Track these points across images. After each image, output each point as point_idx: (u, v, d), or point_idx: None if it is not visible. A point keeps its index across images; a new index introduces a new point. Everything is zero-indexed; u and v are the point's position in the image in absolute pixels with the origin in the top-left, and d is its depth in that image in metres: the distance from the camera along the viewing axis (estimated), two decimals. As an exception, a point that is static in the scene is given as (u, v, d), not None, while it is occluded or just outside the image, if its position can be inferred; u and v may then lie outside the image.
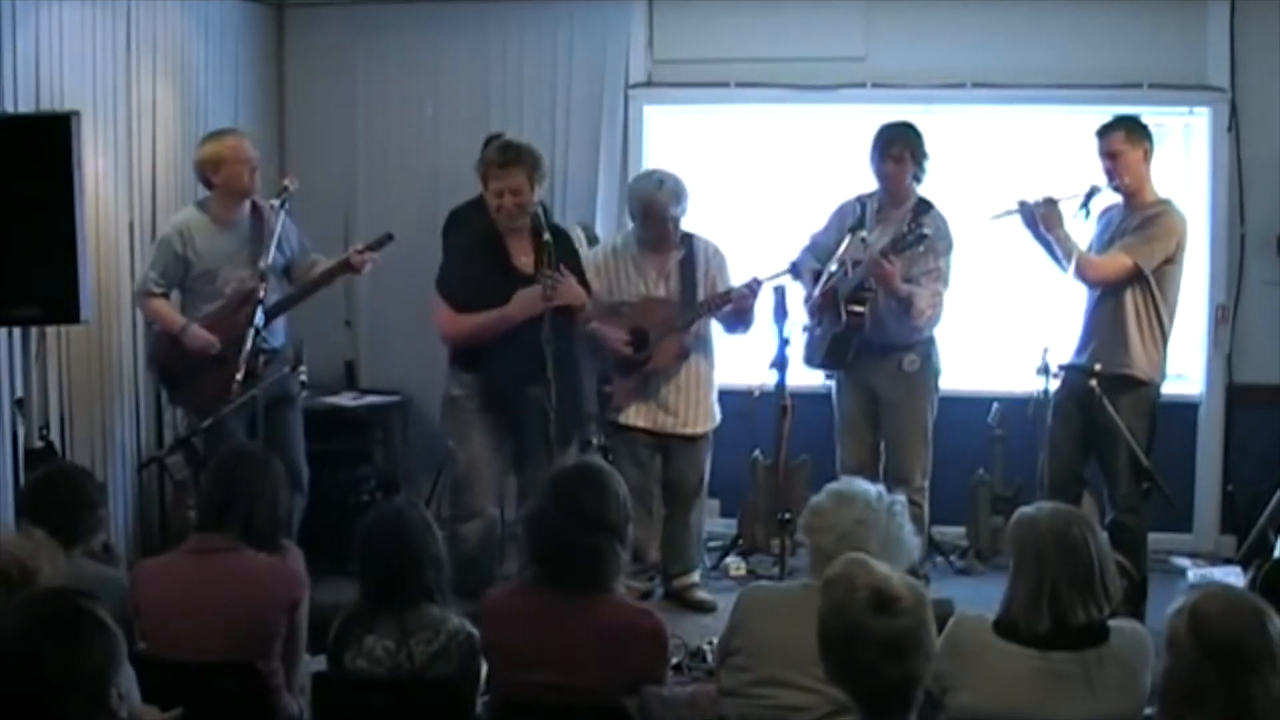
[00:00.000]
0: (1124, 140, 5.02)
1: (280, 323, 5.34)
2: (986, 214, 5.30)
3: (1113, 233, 5.11)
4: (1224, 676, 2.35)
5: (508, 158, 4.86)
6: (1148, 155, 5.06)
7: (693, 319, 5.32)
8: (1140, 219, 5.04)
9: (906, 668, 2.33)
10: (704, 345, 5.44)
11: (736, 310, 5.28)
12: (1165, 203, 5.10)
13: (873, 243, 5.31)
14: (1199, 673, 2.36)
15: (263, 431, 4.84)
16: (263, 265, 5.02)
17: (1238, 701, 2.34)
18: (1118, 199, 5.12)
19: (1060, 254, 5.07)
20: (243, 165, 5.17)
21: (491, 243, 4.91)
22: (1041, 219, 5.07)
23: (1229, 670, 2.35)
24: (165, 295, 5.26)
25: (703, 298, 5.33)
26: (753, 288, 5.23)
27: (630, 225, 5.58)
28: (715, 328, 5.47)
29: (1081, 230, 5.14)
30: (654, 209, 5.30)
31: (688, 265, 5.39)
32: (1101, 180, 5.08)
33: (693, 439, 5.44)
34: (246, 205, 5.24)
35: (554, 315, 4.74)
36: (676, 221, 5.34)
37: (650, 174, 5.54)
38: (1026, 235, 5.17)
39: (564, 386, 4.82)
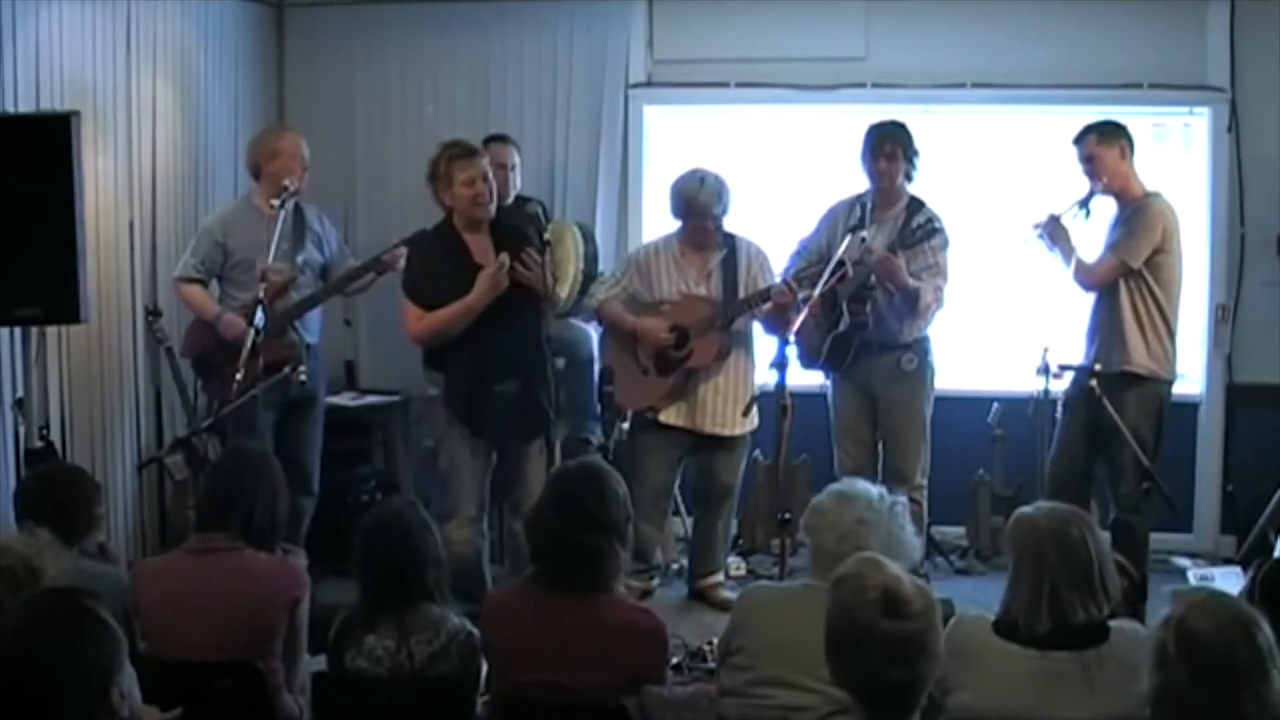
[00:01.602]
0: (1096, 143, 5.10)
1: (316, 318, 5.45)
2: (1017, 243, 5.36)
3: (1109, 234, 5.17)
4: (1215, 694, 2.31)
5: (470, 148, 4.95)
6: (1125, 152, 5.13)
7: (733, 316, 5.30)
8: (1126, 215, 5.12)
9: (911, 672, 2.32)
10: (745, 346, 5.41)
11: (776, 309, 5.22)
12: (1150, 195, 5.16)
13: (869, 242, 5.32)
14: (1190, 692, 2.32)
15: (283, 428, 4.87)
16: (263, 265, 5.04)
17: (1230, 717, 2.31)
18: (1113, 203, 5.18)
19: (1066, 265, 5.16)
20: (296, 161, 5.30)
21: (451, 243, 4.93)
22: (1049, 235, 5.16)
23: (1220, 688, 2.30)
24: (204, 283, 5.35)
25: (743, 296, 5.32)
26: (790, 285, 5.20)
27: (656, 229, 5.58)
28: (757, 329, 5.45)
29: (1084, 231, 5.18)
30: (695, 207, 5.30)
31: (729, 265, 5.38)
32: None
33: (730, 441, 5.42)
34: (291, 201, 5.28)
35: (518, 311, 4.75)
36: (718, 220, 5.34)
37: (693, 172, 5.46)
38: (1051, 256, 5.25)
39: (530, 383, 4.85)
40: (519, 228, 5.08)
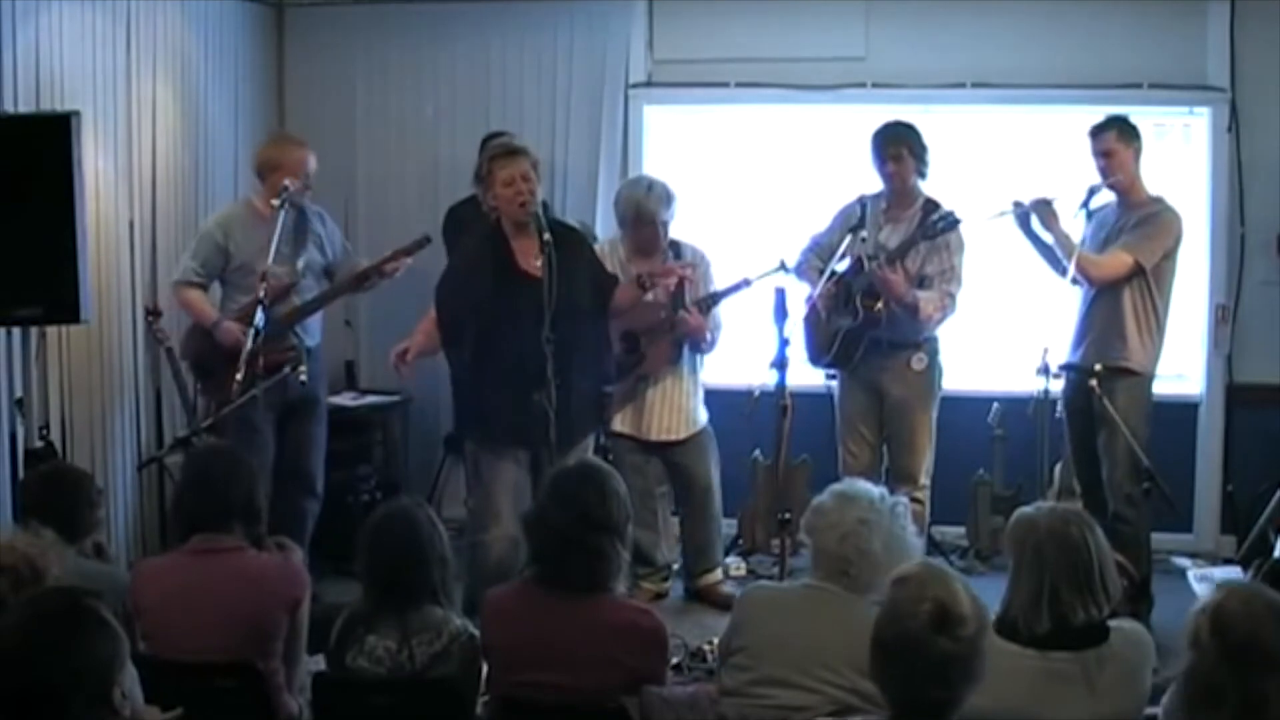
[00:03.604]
0: (1116, 139, 5.10)
1: (317, 321, 5.45)
2: (984, 215, 5.36)
3: (1109, 231, 5.18)
4: (1240, 676, 2.33)
5: (513, 148, 4.90)
6: (1138, 154, 5.15)
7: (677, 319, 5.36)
8: (1138, 217, 5.11)
9: (951, 692, 2.29)
10: (692, 354, 5.48)
11: (684, 333, 5.34)
12: (1160, 200, 5.18)
13: (884, 240, 5.36)
14: (1217, 671, 2.35)
15: (284, 431, 4.87)
16: (265, 266, 5.03)
17: (1252, 701, 2.32)
18: (1111, 198, 5.19)
19: (1061, 253, 5.14)
20: (298, 178, 5.24)
21: (495, 246, 4.89)
22: (1040, 218, 5.12)
23: (1246, 669, 2.33)
24: (204, 287, 5.34)
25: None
26: (690, 309, 5.27)
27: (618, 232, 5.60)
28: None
29: (1075, 229, 5.18)
30: (643, 214, 5.34)
31: None
32: (1099, 180, 5.13)
33: (681, 441, 5.46)
34: (293, 203, 5.27)
35: (558, 314, 4.70)
36: (665, 226, 5.38)
37: (639, 179, 5.60)
38: (1019, 236, 5.26)
39: (569, 387, 4.79)
40: (576, 234, 5.11)
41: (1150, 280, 5.08)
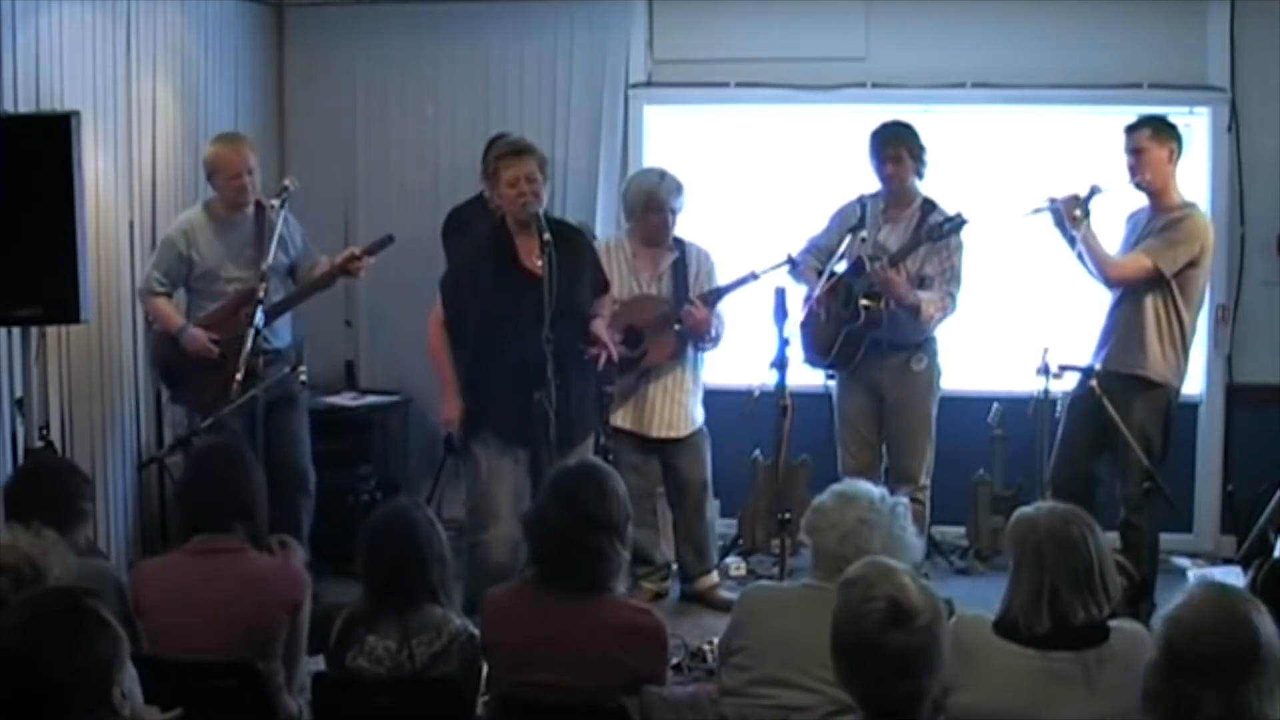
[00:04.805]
0: (1149, 138, 5.00)
1: (285, 323, 5.40)
2: (1021, 211, 5.23)
3: (1139, 234, 5.10)
4: (1168, 681, 2.31)
5: (520, 147, 4.88)
6: (1173, 155, 5.05)
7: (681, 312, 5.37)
8: (1164, 221, 5.02)
9: (916, 684, 2.31)
10: (693, 350, 5.49)
11: (688, 326, 5.34)
12: (1190, 206, 5.10)
13: (882, 240, 5.36)
14: (1153, 678, 2.34)
15: (264, 432, 4.85)
16: (264, 265, 5.03)
17: (1181, 708, 2.30)
18: (1143, 201, 5.10)
19: (1083, 248, 5.05)
20: (233, 179, 5.20)
21: (499, 243, 4.89)
22: (1068, 214, 5.06)
23: (1176, 676, 2.31)
24: (168, 295, 5.30)
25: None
26: (696, 303, 5.28)
27: (624, 226, 5.61)
28: None
29: (1103, 230, 5.13)
30: (655, 201, 5.36)
31: (680, 268, 5.45)
32: (1102, 180, 5.09)
33: (684, 440, 5.47)
34: (250, 206, 5.26)
35: (558, 314, 4.71)
36: (674, 215, 5.40)
37: (650, 169, 5.65)
38: (1056, 234, 5.14)
39: (570, 387, 4.79)
40: (579, 235, 5.11)
41: (1175, 289, 4.98)
